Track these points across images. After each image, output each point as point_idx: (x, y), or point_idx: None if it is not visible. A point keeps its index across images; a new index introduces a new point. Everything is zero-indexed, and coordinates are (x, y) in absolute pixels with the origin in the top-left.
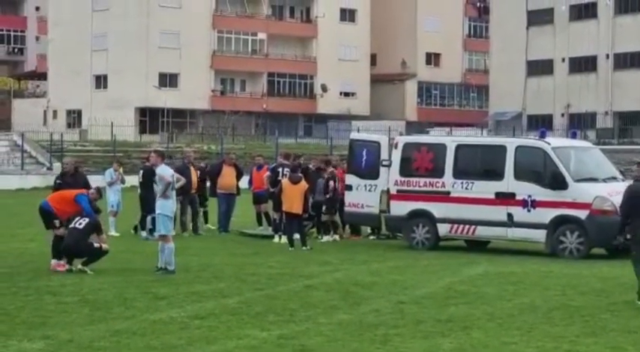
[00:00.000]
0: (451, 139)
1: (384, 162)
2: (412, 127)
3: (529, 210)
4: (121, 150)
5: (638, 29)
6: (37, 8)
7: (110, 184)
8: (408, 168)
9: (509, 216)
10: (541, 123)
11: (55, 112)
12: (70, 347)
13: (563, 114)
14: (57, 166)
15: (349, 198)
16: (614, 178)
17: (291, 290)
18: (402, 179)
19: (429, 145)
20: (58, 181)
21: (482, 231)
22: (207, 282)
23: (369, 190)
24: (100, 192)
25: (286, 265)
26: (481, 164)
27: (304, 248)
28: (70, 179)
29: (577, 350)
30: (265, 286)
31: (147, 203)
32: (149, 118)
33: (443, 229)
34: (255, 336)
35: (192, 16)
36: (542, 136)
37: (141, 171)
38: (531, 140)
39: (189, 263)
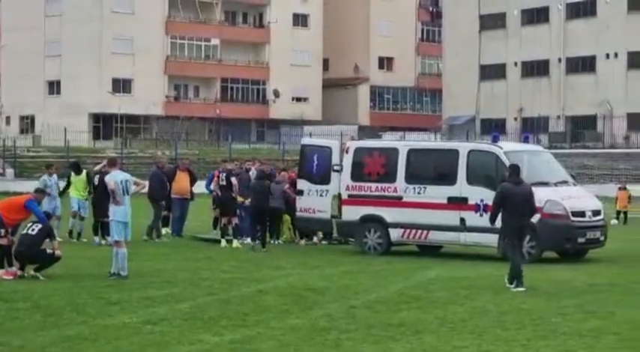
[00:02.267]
0: (403, 144)
1: (336, 167)
2: (365, 132)
3: (481, 215)
4: (74, 155)
5: (589, 33)
6: None
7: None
8: (359, 173)
9: (462, 220)
10: (494, 127)
11: (7, 118)
12: None
13: (516, 118)
14: (10, 172)
15: (301, 203)
16: (565, 182)
17: (243, 295)
18: (354, 184)
19: (381, 150)
20: None
21: (434, 236)
22: (160, 287)
23: (321, 195)
24: (42, 191)
25: (239, 270)
26: (433, 168)
27: (264, 249)
28: None
29: None
30: (218, 291)
31: (100, 209)
32: (103, 124)
33: (395, 234)
34: (208, 341)
35: (145, 21)
36: (495, 141)
37: (97, 177)
38: (484, 144)
39: (142, 268)
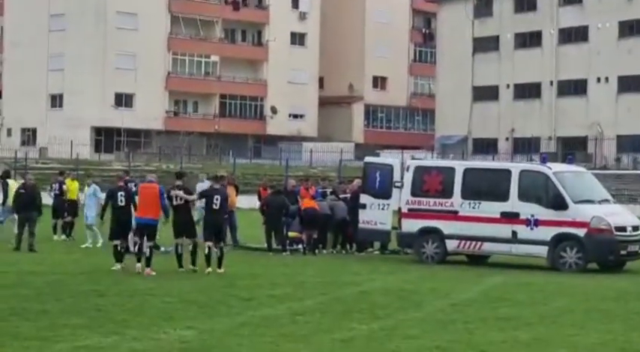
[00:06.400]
0: (460, 163)
1: (397, 184)
2: (360, 149)
3: (532, 229)
4: (82, 167)
5: (580, 58)
6: None
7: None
8: (418, 189)
9: (514, 233)
10: (486, 148)
11: (9, 130)
12: None
13: (507, 139)
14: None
15: (363, 216)
16: (607, 200)
17: (350, 295)
18: (414, 199)
19: (439, 168)
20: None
21: (488, 247)
22: (271, 288)
23: (382, 209)
24: None
25: (324, 274)
26: (488, 186)
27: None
28: None
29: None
30: (326, 291)
31: None
32: (104, 138)
33: (451, 245)
34: (360, 329)
35: (148, 38)
36: (544, 162)
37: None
38: (534, 165)
39: (235, 272)
